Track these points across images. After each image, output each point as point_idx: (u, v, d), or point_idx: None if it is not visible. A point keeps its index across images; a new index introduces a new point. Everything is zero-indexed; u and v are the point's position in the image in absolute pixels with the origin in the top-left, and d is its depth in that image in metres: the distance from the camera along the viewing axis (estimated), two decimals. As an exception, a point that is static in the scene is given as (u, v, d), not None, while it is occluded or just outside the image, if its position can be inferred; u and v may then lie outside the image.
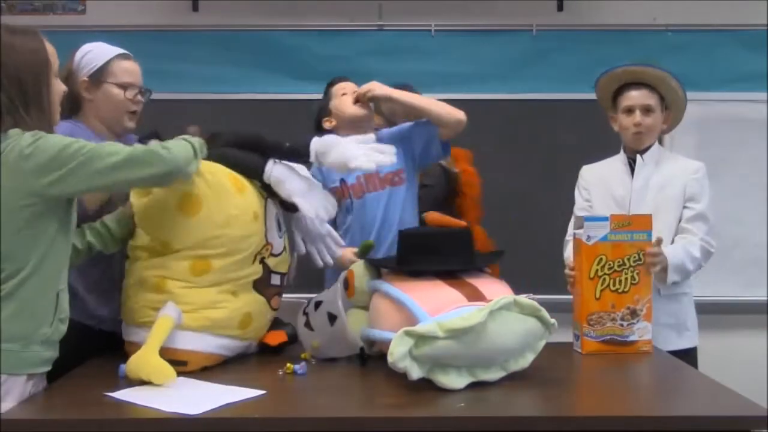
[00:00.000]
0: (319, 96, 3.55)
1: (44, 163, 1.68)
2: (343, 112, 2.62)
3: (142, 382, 1.80)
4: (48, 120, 1.79)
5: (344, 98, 2.63)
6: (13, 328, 1.71)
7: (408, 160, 2.60)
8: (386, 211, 2.57)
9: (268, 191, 2.10)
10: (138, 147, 1.80)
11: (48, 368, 1.81)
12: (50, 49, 1.81)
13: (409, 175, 2.61)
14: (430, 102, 2.55)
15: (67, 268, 1.84)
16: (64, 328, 1.83)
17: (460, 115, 2.50)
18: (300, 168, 2.14)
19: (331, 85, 2.71)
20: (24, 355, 1.73)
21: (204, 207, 1.95)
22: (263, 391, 1.74)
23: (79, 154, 1.69)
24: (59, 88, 1.84)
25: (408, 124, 2.62)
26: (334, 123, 2.64)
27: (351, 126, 2.57)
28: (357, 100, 2.57)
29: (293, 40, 3.62)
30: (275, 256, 2.09)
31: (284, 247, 2.14)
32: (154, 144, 1.82)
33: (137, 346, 1.89)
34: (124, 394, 1.71)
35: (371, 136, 2.18)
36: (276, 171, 2.07)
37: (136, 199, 1.99)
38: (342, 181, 2.59)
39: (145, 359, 1.81)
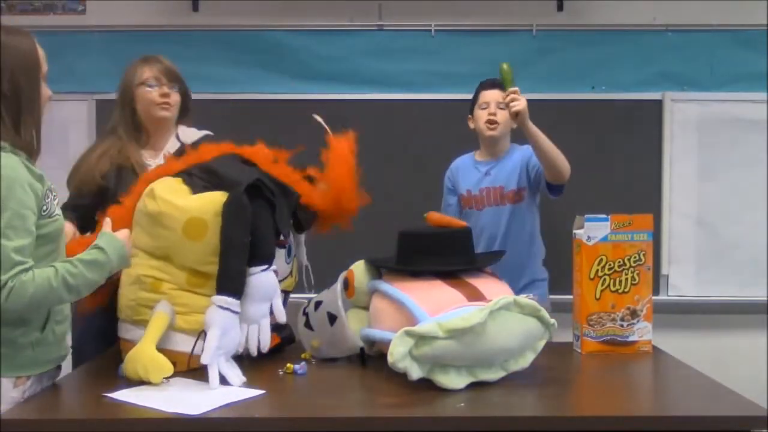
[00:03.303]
0: (318, 96, 3.58)
1: None
2: (477, 126, 2.87)
3: (141, 382, 1.80)
4: (37, 122, 1.77)
5: (481, 113, 2.83)
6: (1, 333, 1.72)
7: (528, 182, 2.80)
8: (508, 225, 2.78)
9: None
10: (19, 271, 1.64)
11: (46, 369, 1.82)
12: (41, 52, 1.79)
13: (528, 194, 2.81)
14: (551, 146, 2.63)
15: None
16: (62, 328, 1.84)
17: (566, 169, 2.64)
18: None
19: (482, 85, 2.86)
20: (10, 358, 1.73)
21: (209, 233, 1.93)
22: (263, 391, 1.74)
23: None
24: (46, 93, 1.82)
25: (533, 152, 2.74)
26: (472, 126, 2.91)
27: (482, 140, 2.88)
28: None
29: (293, 40, 3.62)
30: (279, 281, 2.06)
31: (290, 272, 2.14)
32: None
33: (131, 343, 1.90)
34: (122, 395, 1.71)
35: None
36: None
37: (149, 202, 1.99)
38: (468, 191, 2.87)
39: (141, 352, 1.82)
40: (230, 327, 1.85)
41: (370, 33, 3.63)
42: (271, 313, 1.98)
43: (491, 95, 2.81)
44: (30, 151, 1.76)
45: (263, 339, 1.94)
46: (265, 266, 1.92)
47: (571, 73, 3.60)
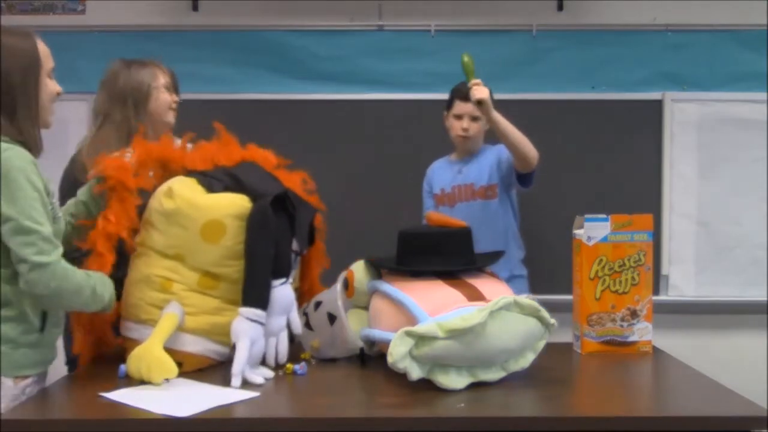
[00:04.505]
0: (318, 96, 3.58)
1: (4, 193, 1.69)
2: (450, 133, 2.96)
3: (141, 382, 1.80)
4: (35, 119, 1.79)
5: (455, 124, 2.92)
6: (1, 331, 1.72)
7: (500, 179, 2.87)
8: (479, 220, 2.77)
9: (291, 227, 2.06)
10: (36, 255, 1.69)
11: (42, 370, 1.82)
12: (44, 49, 1.81)
13: (501, 191, 2.88)
14: (515, 132, 2.68)
15: None
16: (58, 331, 1.86)
17: (533, 154, 2.69)
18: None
19: (457, 93, 2.89)
20: (12, 357, 1.74)
21: (226, 236, 1.94)
22: (256, 394, 1.74)
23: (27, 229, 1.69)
24: (53, 88, 1.84)
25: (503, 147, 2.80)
26: (448, 125, 2.98)
27: (456, 143, 2.97)
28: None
29: (293, 40, 3.62)
30: None
31: (293, 277, 2.15)
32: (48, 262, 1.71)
33: (135, 343, 1.89)
34: (117, 395, 1.71)
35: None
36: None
37: (166, 201, 1.98)
38: (442, 189, 2.95)
39: (148, 351, 1.81)
40: (258, 338, 1.87)
41: (370, 33, 3.63)
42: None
43: (465, 108, 2.87)
44: (30, 147, 1.77)
45: (281, 351, 1.95)
46: (284, 280, 1.93)
47: (571, 73, 3.60)
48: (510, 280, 2.79)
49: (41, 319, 1.79)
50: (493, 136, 2.87)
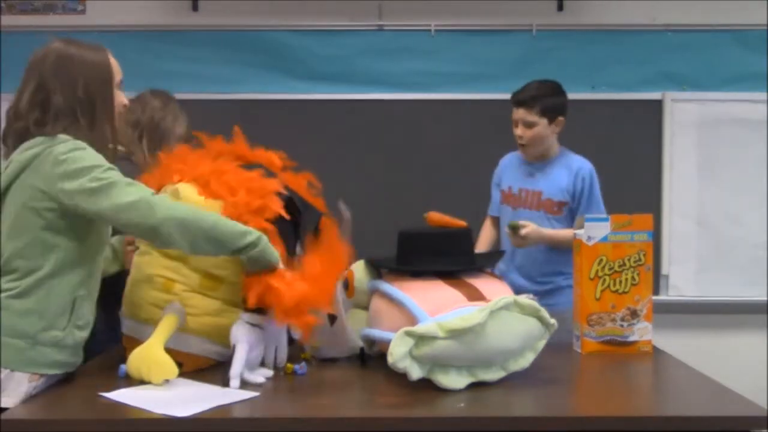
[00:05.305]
0: (318, 96, 3.59)
1: (71, 171, 1.71)
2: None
3: (141, 382, 1.80)
4: (113, 127, 1.85)
5: (514, 129, 2.81)
6: (21, 324, 1.72)
7: (572, 210, 2.78)
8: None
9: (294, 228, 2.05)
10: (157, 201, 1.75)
11: (60, 371, 1.81)
12: (114, 62, 1.87)
13: (568, 212, 2.77)
14: (566, 242, 2.62)
15: (92, 277, 1.86)
16: (82, 334, 1.84)
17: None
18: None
19: (513, 98, 2.81)
20: (29, 353, 1.74)
21: None
22: (256, 394, 1.74)
23: (103, 179, 1.72)
24: (121, 100, 1.89)
25: (583, 201, 2.77)
26: None
27: None
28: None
29: (293, 40, 3.62)
30: None
31: None
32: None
33: (136, 341, 1.89)
34: (118, 395, 1.71)
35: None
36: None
37: (171, 200, 1.97)
38: (509, 187, 2.86)
39: (148, 352, 1.81)
40: (257, 342, 1.87)
41: (370, 33, 3.63)
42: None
43: (518, 114, 2.78)
44: (105, 150, 1.81)
45: (280, 355, 1.96)
46: None
47: (571, 73, 3.59)
48: (557, 290, 2.77)
49: (67, 318, 1.79)
50: (565, 140, 2.86)
